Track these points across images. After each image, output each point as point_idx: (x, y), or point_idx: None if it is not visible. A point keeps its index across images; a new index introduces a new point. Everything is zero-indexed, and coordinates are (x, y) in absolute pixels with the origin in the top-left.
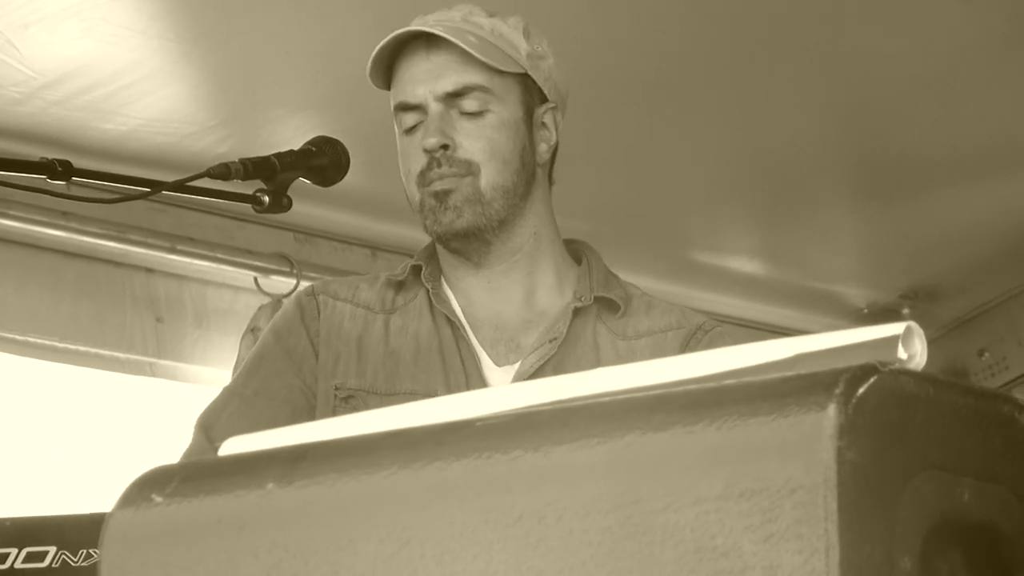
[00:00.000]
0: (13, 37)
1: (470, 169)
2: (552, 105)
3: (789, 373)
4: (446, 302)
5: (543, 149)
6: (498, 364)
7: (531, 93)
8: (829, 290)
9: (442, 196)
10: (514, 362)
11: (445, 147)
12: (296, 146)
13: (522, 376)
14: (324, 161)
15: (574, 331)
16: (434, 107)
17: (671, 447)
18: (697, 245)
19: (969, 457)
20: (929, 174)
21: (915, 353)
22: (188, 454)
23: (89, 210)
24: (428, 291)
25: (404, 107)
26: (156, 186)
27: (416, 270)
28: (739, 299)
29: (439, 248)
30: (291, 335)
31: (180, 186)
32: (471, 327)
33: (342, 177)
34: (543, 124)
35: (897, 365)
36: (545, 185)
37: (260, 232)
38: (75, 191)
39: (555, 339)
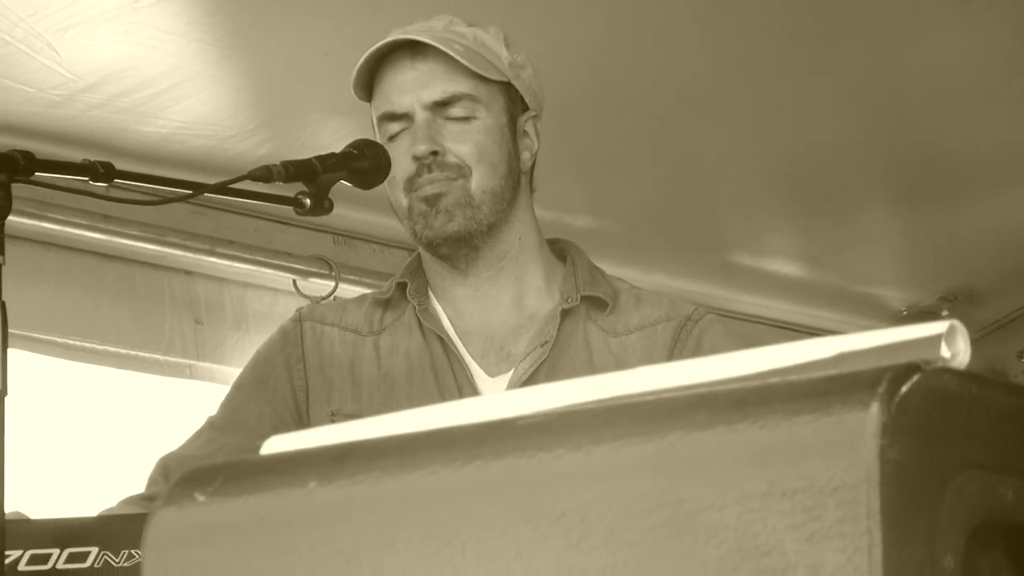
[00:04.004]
0: (52, 40)
1: (461, 172)
2: (533, 113)
3: (832, 372)
4: (434, 317)
5: (526, 157)
6: (491, 375)
7: (514, 101)
8: (868, 292)
9: (433, 200)
10: (506, 371)
11: (435, 153)
12: (336, 149)
13: (515, 384)
14: (365, 164)
15: (564, 333)
16: (421, 115)
17: (714, 446)
18: (736, 248)
19: (1012, 456)
20: (968, 177)
21: (958, 352)
22: (147, 485)
23: (129, 212)
24: (415, 308)
25: (390, 116)
26: (198, 188)
27: (401, 287)
28: (778, 301)
29: (426, 258)
30: (267, 363)
31: (222, 188)
32: (461, 340)
33: (383, 179)
34: (525, 132)
35: (940, 364)
36: (528, 192)
37: (299, 235)
38: (115, 193)
39: (546, 343)
